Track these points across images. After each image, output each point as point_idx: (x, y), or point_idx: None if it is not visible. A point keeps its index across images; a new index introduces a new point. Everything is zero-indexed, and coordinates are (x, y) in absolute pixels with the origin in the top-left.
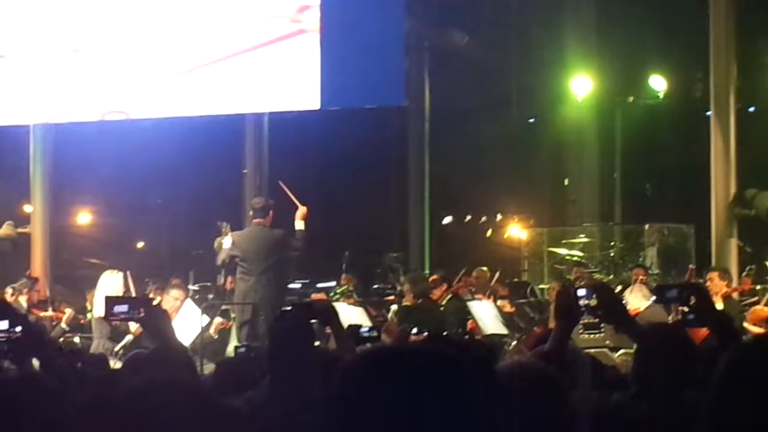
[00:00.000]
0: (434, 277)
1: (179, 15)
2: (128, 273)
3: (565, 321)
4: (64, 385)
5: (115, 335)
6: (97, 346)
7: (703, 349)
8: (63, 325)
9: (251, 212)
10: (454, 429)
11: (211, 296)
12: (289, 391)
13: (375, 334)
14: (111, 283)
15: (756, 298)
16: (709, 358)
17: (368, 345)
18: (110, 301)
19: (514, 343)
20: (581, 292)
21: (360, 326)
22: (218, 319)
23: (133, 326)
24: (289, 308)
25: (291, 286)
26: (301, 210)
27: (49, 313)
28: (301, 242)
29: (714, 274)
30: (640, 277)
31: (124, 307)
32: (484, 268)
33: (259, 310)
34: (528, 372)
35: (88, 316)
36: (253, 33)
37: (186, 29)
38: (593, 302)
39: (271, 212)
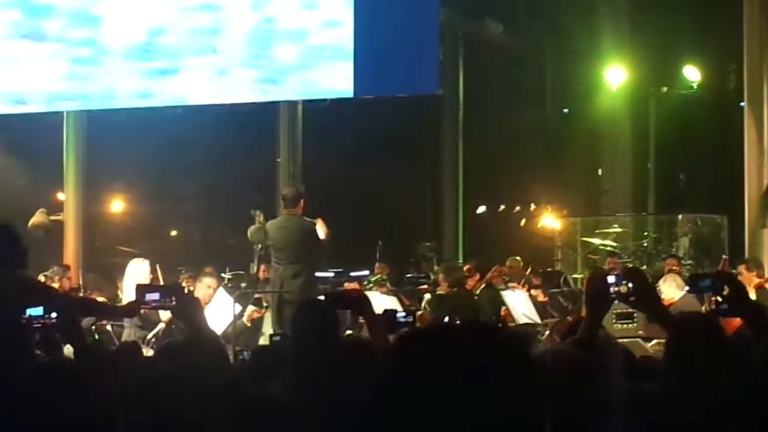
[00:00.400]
0: (468, 266)
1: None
2: (157, 266)
3: (595, 308)
4: (98, 372)
5: (146, 323)
6: (128, 334)
7: (735, 339)
8: None
9: (282, 202)
10: (496, 410)
11: (243, 285)
12: (312, 379)
13: (411, 319)
14: (138, 271)
15: None
16: (741, 348)
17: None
18: (141, 289)
19: (547, 332)
20: (612, 278)
21: (396, 311)
22: (251, 308)
23: (164, 314)
24: (320, 297)
25: (324, 274)
26: (323, 228)
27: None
28: (325, 243)
29: (742, 268)
30: (674, 267)
31: (155, 295)
32: (518, 258)
33: (289, 297)
34: (561, 359)
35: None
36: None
37: (219, 19)
38: (624, 288)
39: (302, 201)
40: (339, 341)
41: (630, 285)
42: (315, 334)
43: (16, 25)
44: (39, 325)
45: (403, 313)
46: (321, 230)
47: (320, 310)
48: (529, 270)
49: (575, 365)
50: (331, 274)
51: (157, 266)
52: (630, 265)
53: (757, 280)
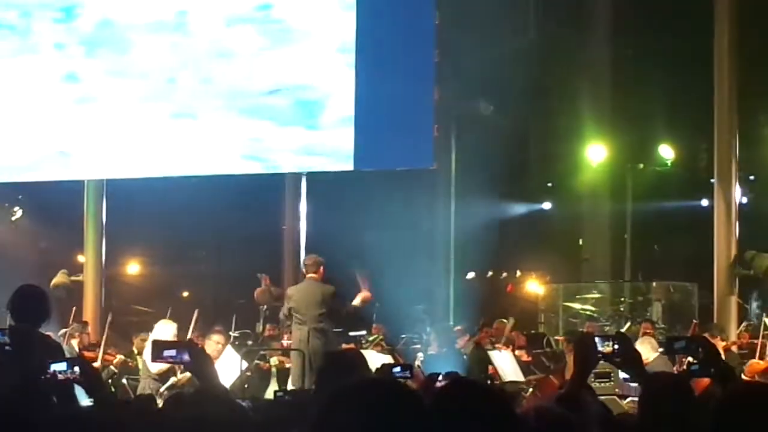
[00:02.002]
0: (458, 327)
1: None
2: (196, 311)
3: (582, 366)
4: (117, 423)
5: (163, 377)
6: (143, 386)
7: (704, 397)
8: (112, 367)
9: (304, 268)
10: None
11: (250, 343)
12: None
13: (408, 374)
14: (164, 331)
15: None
16: (708, 405)
17: None
18: (158, 345)
19: (530, 390)
20: (599, 339)
21: (393, 365)
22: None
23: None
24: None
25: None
26: (365, 294)
27: (100, 355)
28: (352, 311)
29: (706, 335)
30: (648, 331)
31: (172, 351)
32: (504, 320)
33: (310, 357)
34: (545, 415)
35: (138, 360)
36: None
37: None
38: (609, 349)
39: (321, 268)
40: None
41: (616, 346)
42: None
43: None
44: (63, 379)
45: (399, 368)
46: (359, 299)
47: (345, 360)
48: (510, 328)
49: (557, 421)
50: None
51: (196, 312)
52: (607, 329)
53: (722, 344)
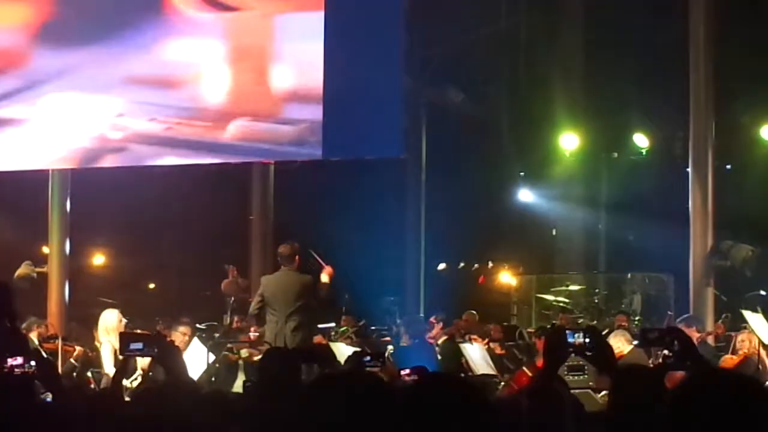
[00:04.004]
0: (431, 319)
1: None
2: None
3: (552, 359)
4: (77, 418)
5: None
6: (108, 380)
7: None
8: (72, 360)
9: (279, 258)
10: None
11: (217, 335)
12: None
13: (378, 364)
14: (109, 318)
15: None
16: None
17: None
18: (125, 338)
19: (502, 384)
20: (570, 333)
21: (363, 355)
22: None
23: (142, 360)
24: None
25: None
26: (327, 269)
27: (59, 346)
28: (325, 293)
29: (682, 325)
30: (622, 323)
31: (138, 344)
32: (474, 312)
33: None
34: (517, 408)
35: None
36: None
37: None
38: (579, 342)
39: (297, 257)
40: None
41: (587, 340)
42: (279, 381)
43: None
44: (19, 374)
45: (369, 358)
46: (324, 275)
47: (284, 358)
48: (474, 321)
49: (529, 414)
50: None
51: (125, 321)
52: (581, 321)
53: (697, 335)
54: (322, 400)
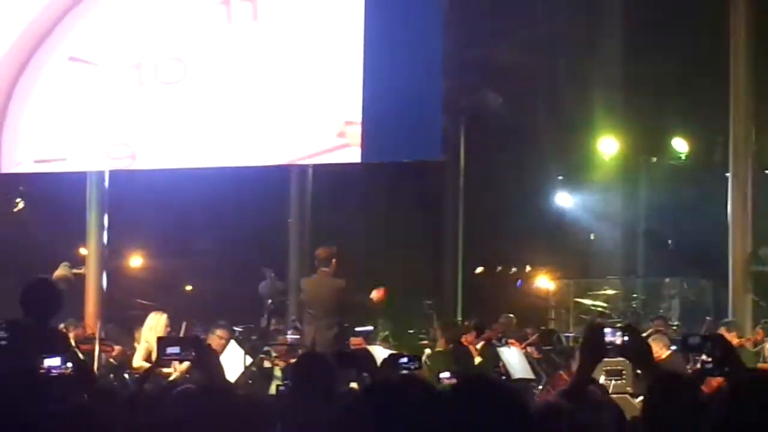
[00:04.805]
0: (467, 323)
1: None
2: (184, 323)
3: (589, 358)
4: (113, 418)
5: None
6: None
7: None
8: (111, 360)
9: (316, 261)
10: None
11: (254, 338)
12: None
13: (416, 366)
14: (155, 323)
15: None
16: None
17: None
18: (163, 342)
19: (540, 387)
20: (608, 330)
21: (400, 356)
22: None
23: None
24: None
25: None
26: (380, 290)
27: (96, 347)
28: (357, 306)
29: (723, 330)
30: (660, 328)
31: (176, 349)
32: (510, 315)
33: (317, 350)
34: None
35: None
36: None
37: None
38: (618, 341)
39: (333, 261)
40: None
41: (625, 338)
42: (313, 385)
43: None
44: (56, 375)
45: (406, 359)
46: (375, 294)
47: (317, 362)
48: (514, 324)
49: (570, 419)
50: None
51: (184, 323)
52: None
53: (737, 340)
54: (371, 407)
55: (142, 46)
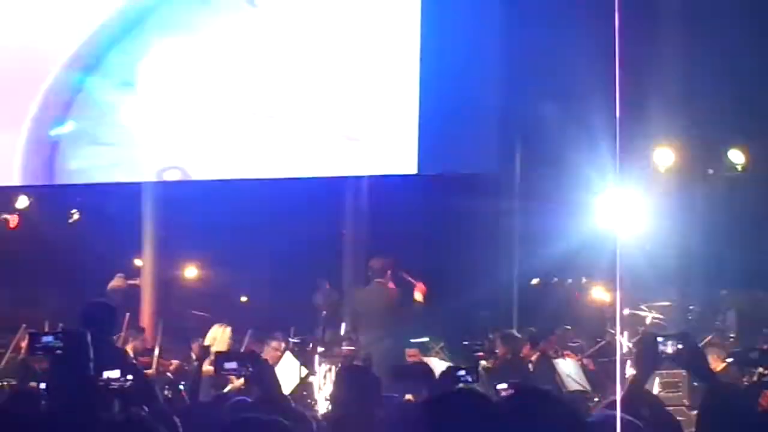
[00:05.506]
0: (521, 336)
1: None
2: (249, 332)
3: (643, 367)
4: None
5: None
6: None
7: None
8: (169, 374)
9: (370, 272)
10: None
11: (309, 349)
12: None
13: (473, 379)
14: (218, 336)
15: None
16: None
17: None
18: (220, 357)
19: (596, 399)
20: (662, 339)
21: (458, 369)
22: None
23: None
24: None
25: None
26: (419, 286)
27: (155, 361)
28: (417, 310)
29: None
30: (715, 340)
31: (233, 364)
32: (568, 327)
33: (372, 361)
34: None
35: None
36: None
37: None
38: (672, 349)
39: (388, 272)
40: (376, 405)
41: (680, 346)
42: (354, 398)
43: None
44: (116, 387)
45: (464, 372)
46: (418, 293)
47: (358, 377)
48: (568, 337)
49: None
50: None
51: (247, 336)
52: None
53: None
54: (428, 420)
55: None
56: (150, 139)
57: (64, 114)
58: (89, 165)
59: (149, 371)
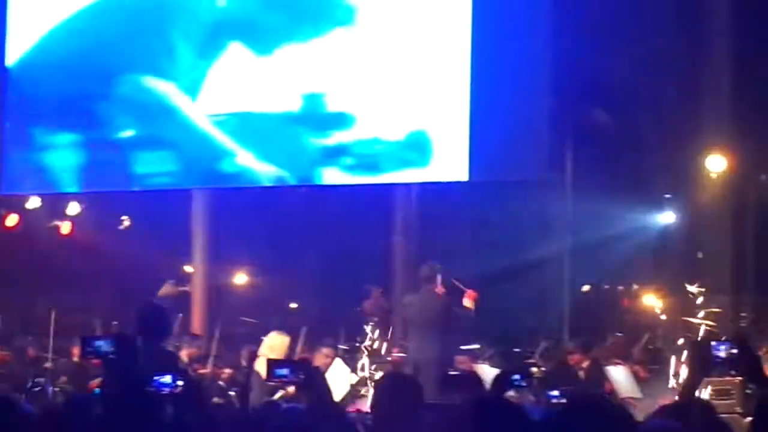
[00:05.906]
0: (571, 345)
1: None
2: (301, 334)
3: (695, 372)
4: None
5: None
6: (254, 397)
7: None
8: (221, 383)
9: (421, 279)
10: None
11: (359, 356)
12: None
13: (527, 383)
14: (277, 344)
15: None
16: None
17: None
18: (271, 364)
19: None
20: (715, 343)
21: (511, 373)
22: None
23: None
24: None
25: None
26: (470, 293)
27: (209, 369)
28: (462, 319)
29: None
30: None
31: (285, 371)
32: (619, 334)
33: (422, 368)
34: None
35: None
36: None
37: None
38: (726, 354)
39: (438, 278)
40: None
41: (734, 351)
42: (393, 405)
43: None
44: (167, 393)
45: (518, 376)
46: (468, 300)
47: (397, 386)
48: (619, 344)
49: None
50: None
51: (299, 344)
52: None
53: None
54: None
55: None
56: (213, 143)
57: (128, 119)
58: (153, 170)
59: (203, 377)
